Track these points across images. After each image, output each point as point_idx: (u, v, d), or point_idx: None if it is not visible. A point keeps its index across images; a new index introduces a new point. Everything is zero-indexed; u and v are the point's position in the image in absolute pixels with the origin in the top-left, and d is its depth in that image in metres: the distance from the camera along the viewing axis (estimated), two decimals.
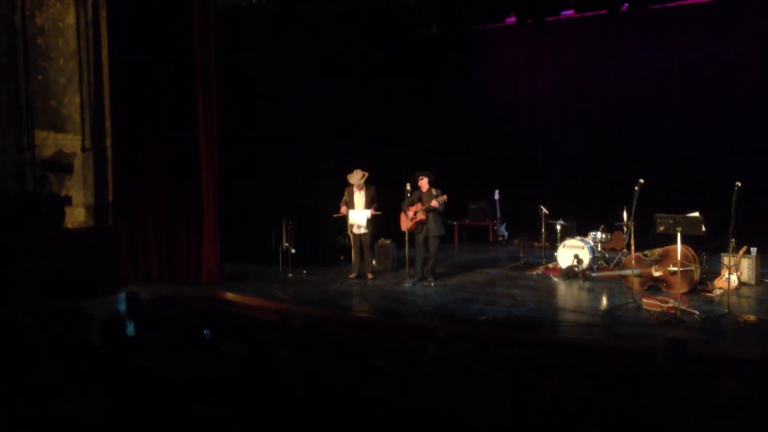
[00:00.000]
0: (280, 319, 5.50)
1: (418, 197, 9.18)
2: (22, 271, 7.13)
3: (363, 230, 9.66)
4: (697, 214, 7.78)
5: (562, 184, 12.78)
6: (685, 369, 3.76)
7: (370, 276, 9.81)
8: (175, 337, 4.53)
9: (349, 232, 9.82)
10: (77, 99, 9.32)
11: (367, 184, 9.66)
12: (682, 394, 3.40)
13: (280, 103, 10.82)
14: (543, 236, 10.73)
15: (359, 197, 9.63)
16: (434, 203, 8.97)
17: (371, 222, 9.65)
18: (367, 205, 9.62)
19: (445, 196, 8.98)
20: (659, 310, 7.28)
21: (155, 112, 9.63)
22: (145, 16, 9.57)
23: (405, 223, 9.29)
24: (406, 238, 9.23)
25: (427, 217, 9.11)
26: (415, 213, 9.13)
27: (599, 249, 10.08)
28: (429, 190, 9.14)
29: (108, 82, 9.55)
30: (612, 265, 9.78)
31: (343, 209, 9.68)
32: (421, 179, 9.21)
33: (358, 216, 9.59)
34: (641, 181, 8.19)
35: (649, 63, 12.34)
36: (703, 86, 11.88)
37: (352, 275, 9.80)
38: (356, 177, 9.59)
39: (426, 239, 9.26)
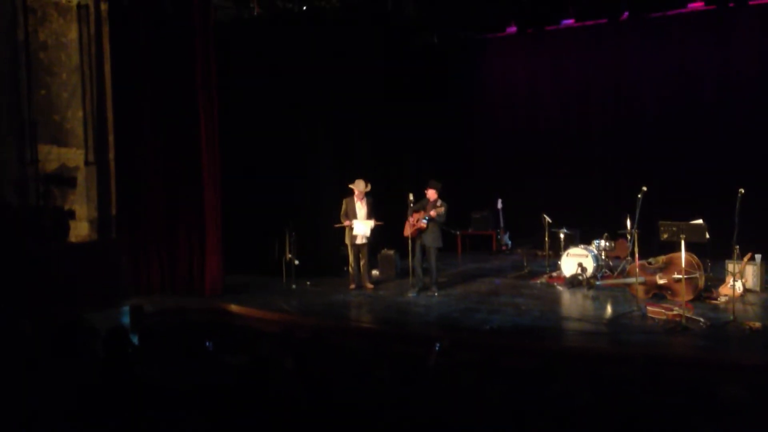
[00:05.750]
0: (283, 331, 5.49)
1: (423, 206, 9.20)
2: (26, 285, 7.15)
3: (365, 240, 9.68)
4: (700, 221, 7.77)
5: (565, 192, 12.75)
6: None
7: (369, 286, 9.81)
8: (178, 349, 4.53)
9: (348, 242, 9.81)
10: (80, 113, 9.34)
11: (367, 195, 9.68)
12: (686, 401, 3.38)
13: (281, 114, 10.85)
14: (546, 245, 10.70)
15: (361, 208, 9.64)
16: (432, 213, 8.99)
17: (372, 232, 9.69)
18: (369, 216, 9.63)
19: (442, 208, 8.98)
20: (664, 317, 7.25)
21: (157, 126, 9.67)
22: (147, 31, 9.63)
23: (407, 229, 9.33)
24: (409, 248, 9.23)
25: (426, 227, 9.13)
26: (417, 221, 9.16)
27: (603, 257, 10.04)
28: (435, 200, 9.16)
29: (110, 96, 9.57)
30: (616, 273, 9.76)
31: (347, 222, 9.66)
32: (430, 189, 9.22)
33: (364, 227, 9.60)
34: (644, 188, 8.18)
35: (650, 71, 12.34)
36: (703, 94, 11.89)
37: (352, 286, 9.79)
38: (362, 185, 9.60)
39: (424, 249, 9.28)
